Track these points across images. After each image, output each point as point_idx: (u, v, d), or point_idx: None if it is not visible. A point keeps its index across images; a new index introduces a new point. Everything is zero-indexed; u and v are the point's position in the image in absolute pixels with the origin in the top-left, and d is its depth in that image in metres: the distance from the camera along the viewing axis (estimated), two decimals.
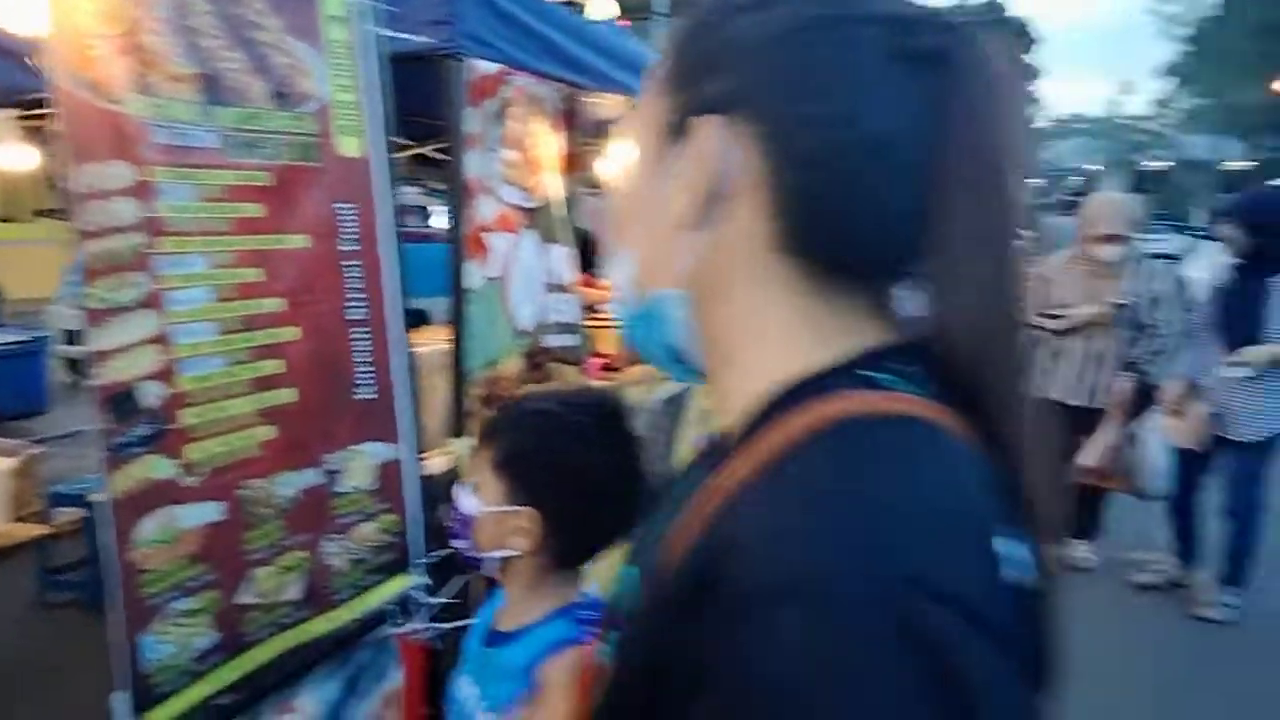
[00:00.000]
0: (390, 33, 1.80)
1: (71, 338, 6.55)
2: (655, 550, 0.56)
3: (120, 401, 1.31)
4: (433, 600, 1.90)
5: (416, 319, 4.61)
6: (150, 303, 1.34)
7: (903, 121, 0.52)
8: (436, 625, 1.89)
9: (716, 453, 0.57)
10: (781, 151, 0.53)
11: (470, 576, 1.95)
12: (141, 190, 1.32)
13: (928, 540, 0.44)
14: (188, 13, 1.33)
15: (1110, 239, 3.90)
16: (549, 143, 2.74)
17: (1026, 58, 49.49)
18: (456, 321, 2.35)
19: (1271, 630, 3.66)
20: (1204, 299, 3.87)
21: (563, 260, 2.88)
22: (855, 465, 0.47)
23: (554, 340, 2.81)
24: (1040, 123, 57.08)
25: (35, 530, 3.38)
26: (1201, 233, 18.32)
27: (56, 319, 7.17)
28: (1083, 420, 4.01)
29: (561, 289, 2.87)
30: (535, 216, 2.70)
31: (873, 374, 0.53)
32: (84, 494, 3.27)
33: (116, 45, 1.27)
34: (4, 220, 9.55)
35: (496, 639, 1.17)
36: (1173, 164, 46.22)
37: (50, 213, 8.58)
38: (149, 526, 1.33)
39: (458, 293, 2.33)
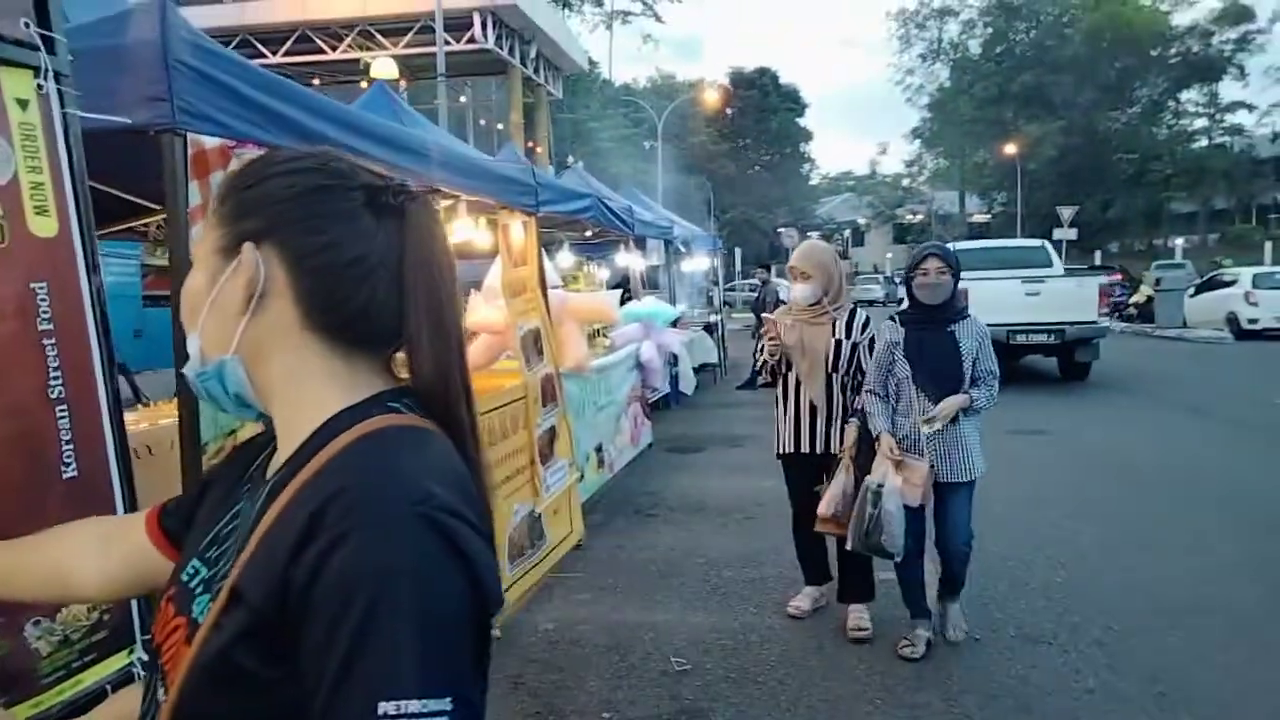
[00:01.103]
0: (92, 115, 1.82)
1: None
2: (240, 535, 0.83)
3: None
4: None
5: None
6: None
7: (373, 249, 0.85)
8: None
9: (292, 461, 0.82)
10: (295, 267, 0.84)
11: None
12: None
13: (442, 485, 0.77)
14: None
15: (800, 277, 4.04)
16: None
17: (799, 120, 53.50)
18: (187, 391, 2.33)
19: (991, 628, 4.16)
20: (894, 347, 3.85)
21: None
22: (395, 450, 0.79)
23: None
24: (814, 180, 61.68)
25: None
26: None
27: None
28: (820, 467, 4.11)
29: None
30: None
31: (391, 403, 0.85)
32: None
33: None
34: None
35: None
36: (923, 217, 51.35)
37: None
38: None
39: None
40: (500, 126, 25.42)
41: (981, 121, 43.24)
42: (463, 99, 26.44)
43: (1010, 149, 39.02)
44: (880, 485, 3.67)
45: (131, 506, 1.82)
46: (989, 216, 46.61)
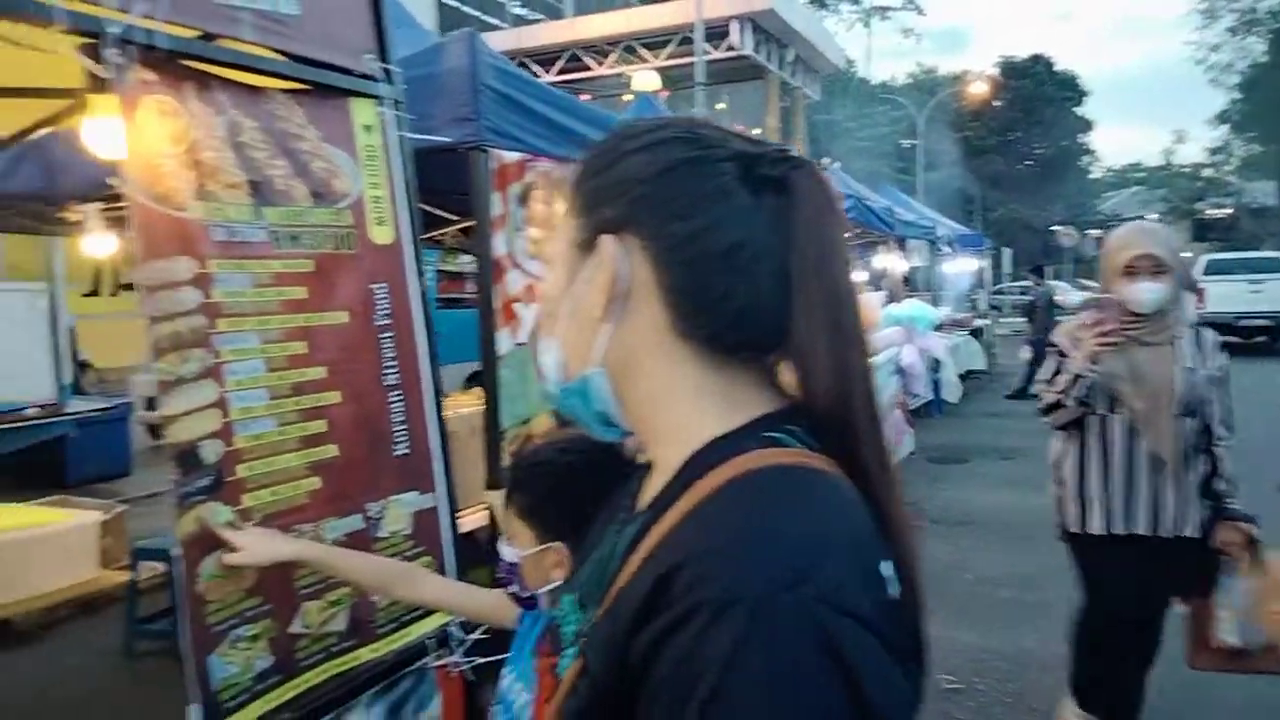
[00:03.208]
0: (417, 135, 2.06)
1: (152, 404, 6.97)
2: (603, 580, 0.73)
3: (186, 457, 1.54)
4: (469, 635, 2.08)
5: (476, 379, 4.87)
6: (211, 374, 1.58)
7: (753, 232, 0.68)
8: (472, 658, 2.07)
9: (657, 501, 0.70)
10: (663, 259, 0.70)
11: None
12: (202, 280, 1.57)
13: (834, 560, 0.58)
14: (239, 130, 1.60)
15: (1149, 271, 2.57)
16: None
17: (1077, 110, 49.24)
18: (490, 384, 2.58)
19: None
20: None
21: None
22: (770, 505, 0.62)
23: None
24: (1095, 174, 56.46)
25: (121, 578, 3.69)
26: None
27: (139, 387, 7.62)
28: (1165, 560, 2.65)
29: None
30: None
31: (772, 434, 0.68)
32: (167, 549, 3.48)
33: (181, 161, 1.54)
34: (90, 295, 10.09)
35: None
36: (1233, 211, 45.14)
37: (129, 287, 9.04)
38: (211, 563, 1.55)
39: (490, 358, 2.57)
40: (758, 131, 25.51)
41: None
42: (719, 105, 26.89)
43: None
44: None
45: (449, 484, 2.04)
46: None
